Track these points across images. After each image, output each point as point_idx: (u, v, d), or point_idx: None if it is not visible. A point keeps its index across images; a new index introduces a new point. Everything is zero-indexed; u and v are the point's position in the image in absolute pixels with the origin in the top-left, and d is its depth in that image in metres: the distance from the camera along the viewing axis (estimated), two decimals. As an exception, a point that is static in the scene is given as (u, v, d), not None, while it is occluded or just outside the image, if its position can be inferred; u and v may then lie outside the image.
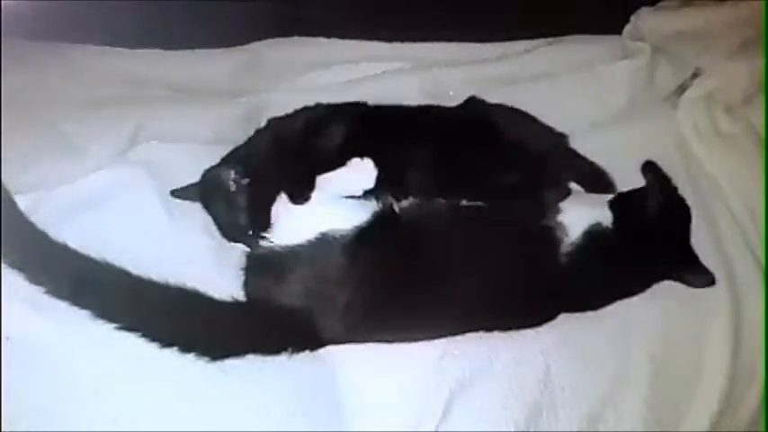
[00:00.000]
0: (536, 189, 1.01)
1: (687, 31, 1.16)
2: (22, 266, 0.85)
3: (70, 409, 0.85)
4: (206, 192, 1.00)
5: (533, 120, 1.10)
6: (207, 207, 0.99)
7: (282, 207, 0.95)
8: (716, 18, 1.15)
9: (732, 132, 1.19)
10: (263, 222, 0.95)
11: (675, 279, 0.99)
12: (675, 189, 1.05)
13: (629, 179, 1.07)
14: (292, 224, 0.93)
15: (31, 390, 0.85)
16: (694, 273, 0.99)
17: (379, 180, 0.93)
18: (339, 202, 0.93)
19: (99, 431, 0.84)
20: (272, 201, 0.95)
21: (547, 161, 1.06)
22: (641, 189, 1.05)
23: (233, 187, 0.97)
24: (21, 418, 0.84)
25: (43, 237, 0.87)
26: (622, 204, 1.00)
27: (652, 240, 0.99)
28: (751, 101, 1.21)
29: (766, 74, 1.16)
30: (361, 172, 0.94)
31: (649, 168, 1.10)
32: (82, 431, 0.83)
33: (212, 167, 0.99)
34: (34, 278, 0.85)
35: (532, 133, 1.09)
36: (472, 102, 1.12)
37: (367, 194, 0.93)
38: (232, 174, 0.97)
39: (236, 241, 0.98)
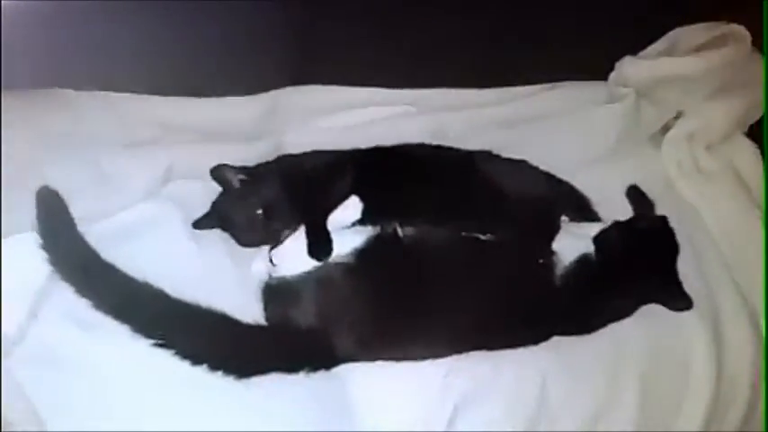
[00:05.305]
0: (533, 230, 1.06)
1: (668, 77, 1.22)
2: (74, 281, 0.91)
3: (105, 419, 0.90)
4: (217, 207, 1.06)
5: (536, 170, 1.15)
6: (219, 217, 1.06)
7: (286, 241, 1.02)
8: (694, 65, 1.20)
9: (712, 169, 1.25)
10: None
11: (657, 302, 1.04)
12: (664, 219, 1.09)
13: (617, 212, 1.13)
14: (295, 254, 0.98)
15: (71, 402, 0.91)
16: (674, 297, 1.04)
17: (382, 210, 1.00)
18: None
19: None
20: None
21: (547, 210, 1.10)
22: (624, 221, 1.07)
23: (236, 183, 1.04)
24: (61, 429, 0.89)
25: (95, 256, 0.92)
26: (604, 239, 1.04)
27: (633, 270, 1.03)
28: (729, 139, 1.27)
29: (766, 88, 1.21)
30: (348, 207, 1.01)
31: (633, 194, 1.17)
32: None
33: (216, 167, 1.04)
34: (83, 292, 0.90)
35: (534, 184, 1.14)
36: (482, 152, 1.16)
37: (360, 223, 1.00)
38: (232, 171, 1.04)
39: (248, 244, 1.04)
